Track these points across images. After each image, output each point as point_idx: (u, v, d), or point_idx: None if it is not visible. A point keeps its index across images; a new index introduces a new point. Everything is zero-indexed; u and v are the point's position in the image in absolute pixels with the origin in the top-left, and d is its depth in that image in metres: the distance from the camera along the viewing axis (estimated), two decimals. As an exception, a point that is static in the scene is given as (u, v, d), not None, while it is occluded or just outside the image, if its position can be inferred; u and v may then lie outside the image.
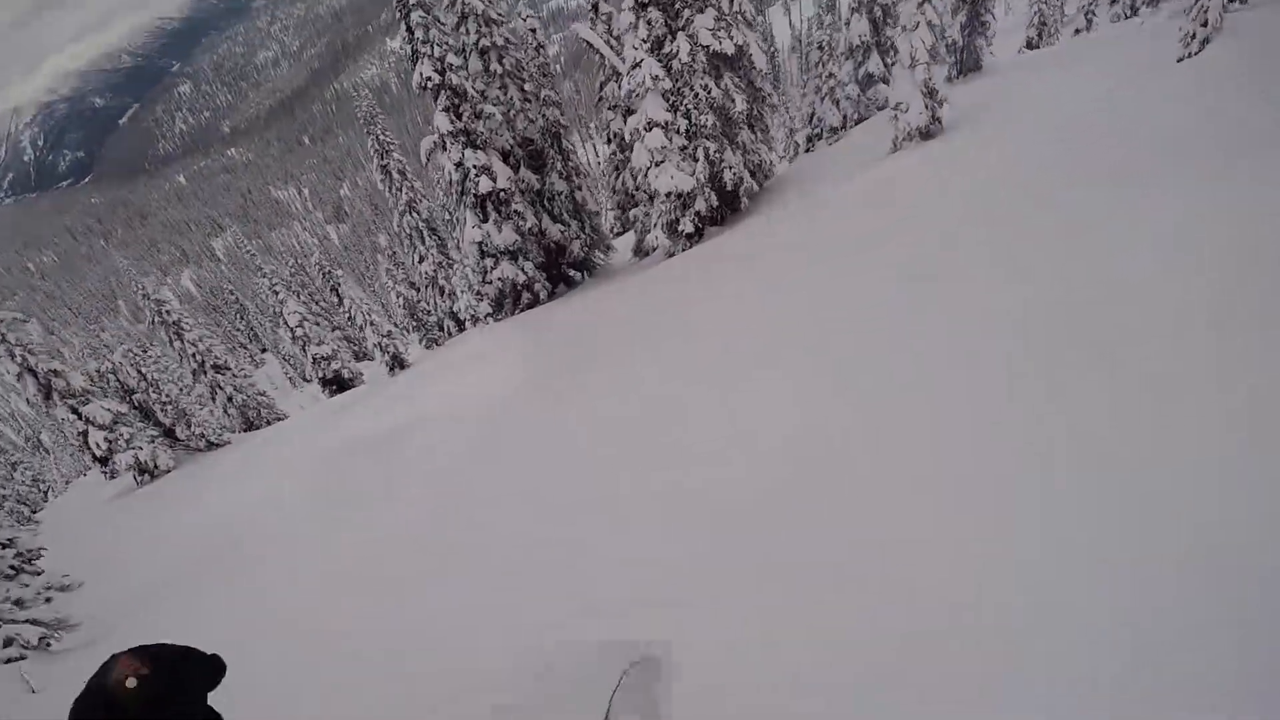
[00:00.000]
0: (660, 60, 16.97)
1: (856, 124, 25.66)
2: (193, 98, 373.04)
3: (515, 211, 22.20)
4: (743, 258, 14.41)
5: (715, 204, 18.54)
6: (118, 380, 29.73)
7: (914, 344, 6.60)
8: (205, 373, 39.09)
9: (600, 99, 23.24)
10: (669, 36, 17.06)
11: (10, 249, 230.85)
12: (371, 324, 22.85)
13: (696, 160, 17.67)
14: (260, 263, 34.41)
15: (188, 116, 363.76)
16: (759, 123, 19.21)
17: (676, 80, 17.12)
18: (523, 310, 23.75)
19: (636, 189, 23.02)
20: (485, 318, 24.24)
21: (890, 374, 6.26)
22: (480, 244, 22.70)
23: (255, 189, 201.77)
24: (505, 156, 22.50)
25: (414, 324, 26.85)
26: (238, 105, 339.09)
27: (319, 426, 19.29)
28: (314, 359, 34.38)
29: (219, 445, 30.58)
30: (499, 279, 23.02)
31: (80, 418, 25.46)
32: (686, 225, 18.26)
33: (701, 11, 16.67)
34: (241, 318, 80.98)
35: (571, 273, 25.72)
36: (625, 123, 22.10)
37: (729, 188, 18.34)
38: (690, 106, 17.17)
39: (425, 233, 30.68)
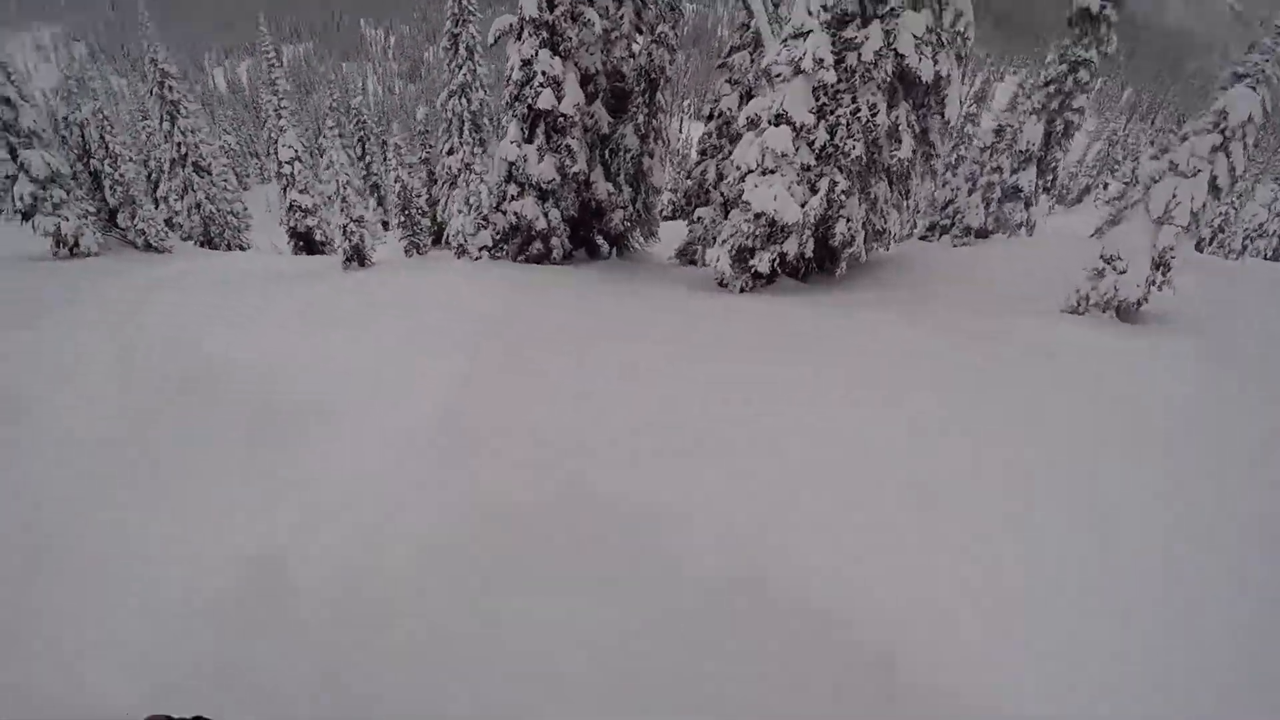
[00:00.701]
0: (834, 45, 12.27)
1: (978, 234, 21.05)
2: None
3: (567, 146, 17.58)
4: (821, 346, 10.12)
5: (808, 255, 13.95)
6: (81, 136, 25.18)
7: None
8: (184, 167, 34.74)
9: (723, 65, 18.55)
10: (858, 19, 12.39)
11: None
12: (344, 200, 18.17)
13: (816, 191, 12.99)
14: (276, 76, 29.30)
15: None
16: (902, 183, 14.55)
17: (840, 81, 12.46)
18: (527, 260, 19.18)
19: (717, 185, 18.41)
20: (481, 250, 19.62)
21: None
22: (511, 164, 18.08)
23: (348, 14, 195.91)
24: (585, 80, 17.86)
25: (403, 219, 22.07)
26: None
27: (222, 295, 14.52)
28: (290, 204, 29.72)
29: (158, 250, 26.14)
30: (515, 213, 18.43)
31: (14, 159, 21.16)
32: (762, 263, 13.58)
33: (917, 9, 12.02)
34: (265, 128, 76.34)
35: (600, 242, 21.20)
36: (743, 105, 17.52)
37: (834, 242, 13.72)
38: (842, 122, 12.52)
39: (468, 126, 25.93)
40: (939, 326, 10.78)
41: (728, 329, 11.25)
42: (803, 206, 12.84)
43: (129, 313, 12.84)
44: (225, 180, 44.33)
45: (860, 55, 11.97)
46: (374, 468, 7.21)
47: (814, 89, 12.44)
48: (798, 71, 12.33)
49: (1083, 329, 10.74)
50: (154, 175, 40.12)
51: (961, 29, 12.57)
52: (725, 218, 17.26)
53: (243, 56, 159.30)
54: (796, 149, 12.50)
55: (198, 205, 35.48)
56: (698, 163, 19.55)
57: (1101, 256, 11.39)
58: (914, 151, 13.38)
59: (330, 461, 7.37)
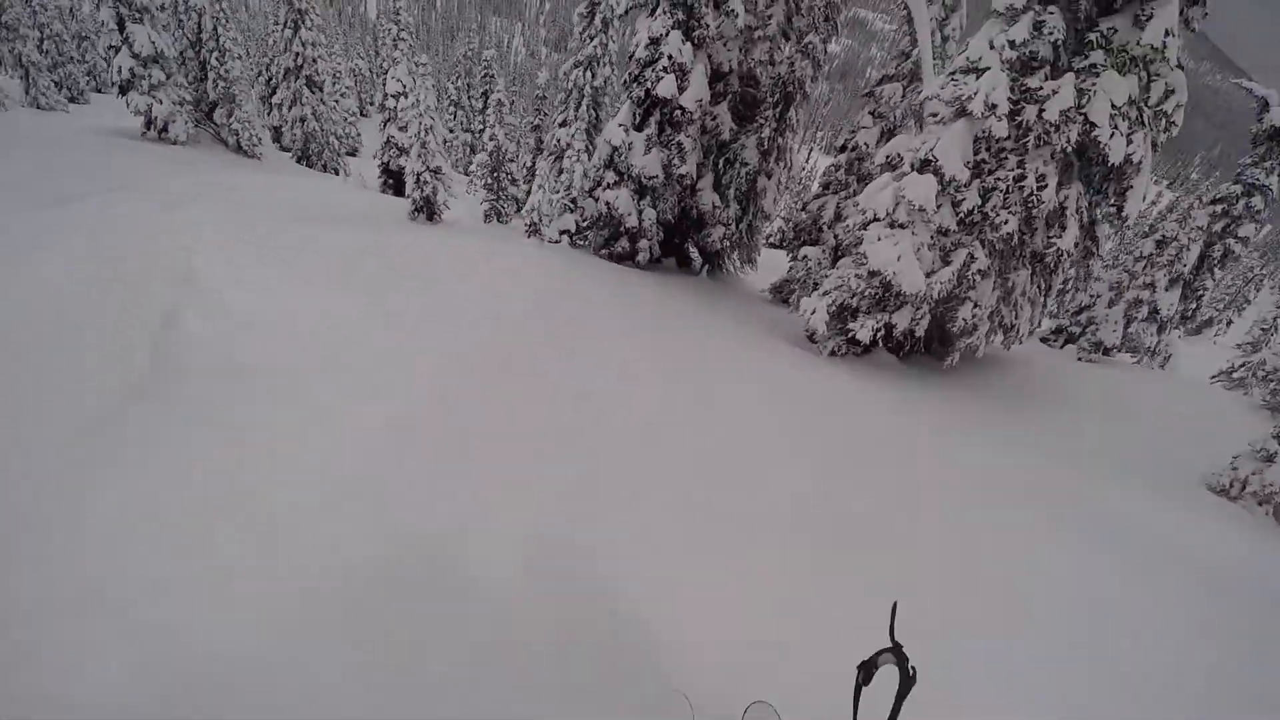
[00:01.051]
0: (1013, 92, 10.06)
1: (1106, 351, 18.33)
2: None
3: (679, 144, 15.74)
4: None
5: (919, 334, 11.78)
6: (197, 22, 24.56)
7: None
8: (297, 77, 34.05)
9: (869, 95, 16.44)
10: (1047, 68, 10.15)
11: None
12: (424, 146, 16.58)
13: (948, 262, 10.80)
14: (400, 5, 27.92)
15: None
16: (1045, 276, 12.26)
17: (1010, 137, 10.27)
18: (610, 256, 17.42)
19: (832, 225, 16.35)
20: (561, 234, 17.88)
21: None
22: (615, 149, 16.32)
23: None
24: (715, 77, 16.00)
25: (490, 181, 20.39)
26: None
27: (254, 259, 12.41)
28: (387, 140, 28.47)
29: (247, 154, 25.51)
30: (607, 203, 16.66)
31: (121, 31, 20.86)
32: (863, 330, 11.37)
33: (1122, 72, 9.76)
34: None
35: (693, 256, 19.34)
36: (883, 143, 15.46)
37: (953, 327, 11.50)
38: (1001, 187, 10.32)
39: (586, 102, 24.23)
40: (1061, 497, 8.39)
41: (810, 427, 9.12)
42: (928, 276, 10.68)
43: (153, 230, 11.27)
44: (337, 101, 43.83)
45: (1042, 111, 9.74)
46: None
47: (976, 139, 10.28)
48: (961, 114, 10.18)
49: (1240, 538, 8.27)
50: (274, 81, 39.68)
51: (1169, 110, 10.25)
52: (833, 265, 15.22)
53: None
54: (938, 206, 10.32)
55: (302, 120, 34.77)
56: (817, 195, 17.44)
57: (1278, 438, 9.06)
58: (1075, 244, 11.09)
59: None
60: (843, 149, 16.76)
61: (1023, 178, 10.16)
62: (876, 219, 10.75)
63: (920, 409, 10.36)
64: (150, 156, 18.85)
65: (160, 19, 21.83)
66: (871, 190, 10.98)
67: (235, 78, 24.95)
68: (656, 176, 16.09)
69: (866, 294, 11.22)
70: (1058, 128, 9.80)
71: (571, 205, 17.79)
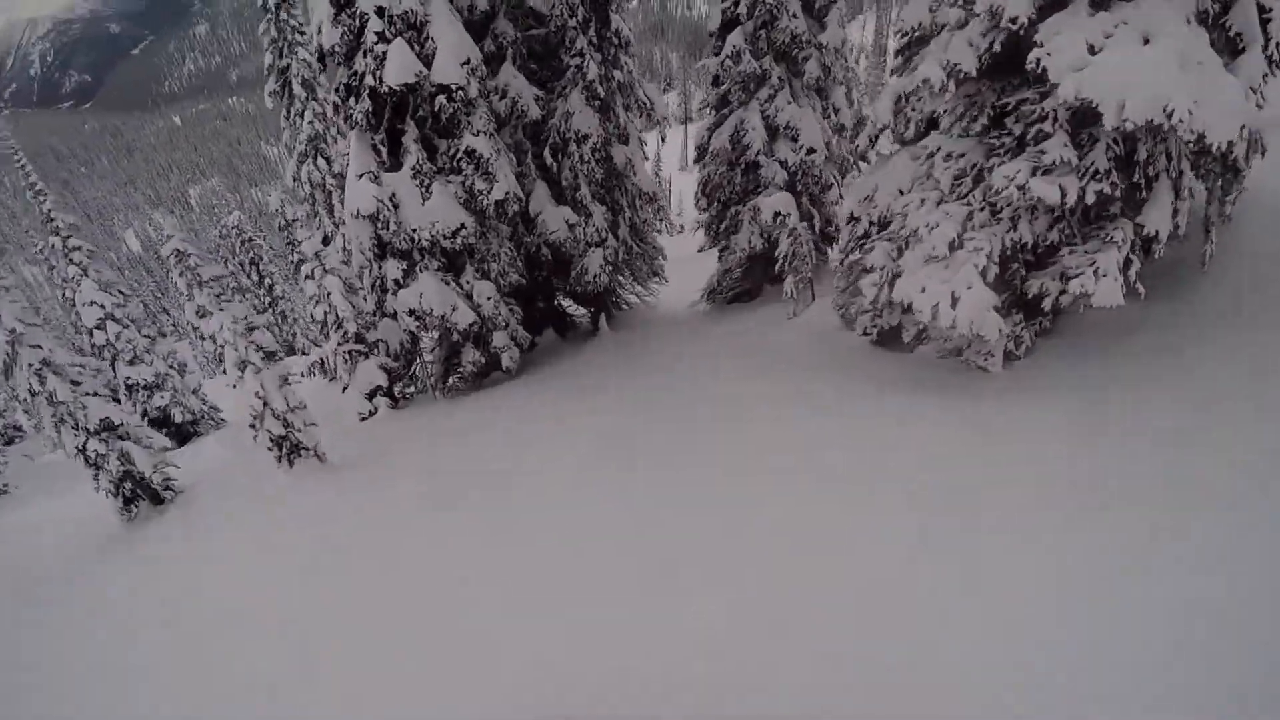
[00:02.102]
0: None
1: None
2: (206, 40, 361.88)
3: (469, 153, 8.90)
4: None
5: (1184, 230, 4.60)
6: None
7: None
8: (16, 366, 25.45)
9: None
10: None
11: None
12: (39, 377, 9.05)
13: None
14: (48, 207, 19.37)
15: (198, 58, 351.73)
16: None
17: None
18: (464, 382, 10.88)
19: (769, 150, 9.50)
20: (374, 395, 10.73)
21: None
22: (375, 220, 9.25)
23: (246, 140, 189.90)
24: (474, 29, 9.17)
25: (238, 382, 12.40)
26: (249, 55, 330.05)
27: None
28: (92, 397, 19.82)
29: None
30: (410, 310, 9.59)
31: None
32: (1105, 283, 4.12)
33: None
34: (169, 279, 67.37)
35: (572, 311, 13.22)
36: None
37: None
38: None
39: (335, 197, 16.67)
40: None
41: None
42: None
43: None
44: (97, 370, 35.59)
45: None
46: None
47: None
48: None
49: None
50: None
51: None
52: (805, 215, 8.47)
53: (148, 213, 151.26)
54: None
55: (62, 419, 26.18)
56: (714, 125, 10.45)
57: None
58: None
59: None
60: (724, 26, 9.81)
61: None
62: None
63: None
64: None
65: None
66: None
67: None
68: (463, 228, 9.14)
69: (1097, 188, 4.08)
70: None
71: (361, 348, 10.61)
